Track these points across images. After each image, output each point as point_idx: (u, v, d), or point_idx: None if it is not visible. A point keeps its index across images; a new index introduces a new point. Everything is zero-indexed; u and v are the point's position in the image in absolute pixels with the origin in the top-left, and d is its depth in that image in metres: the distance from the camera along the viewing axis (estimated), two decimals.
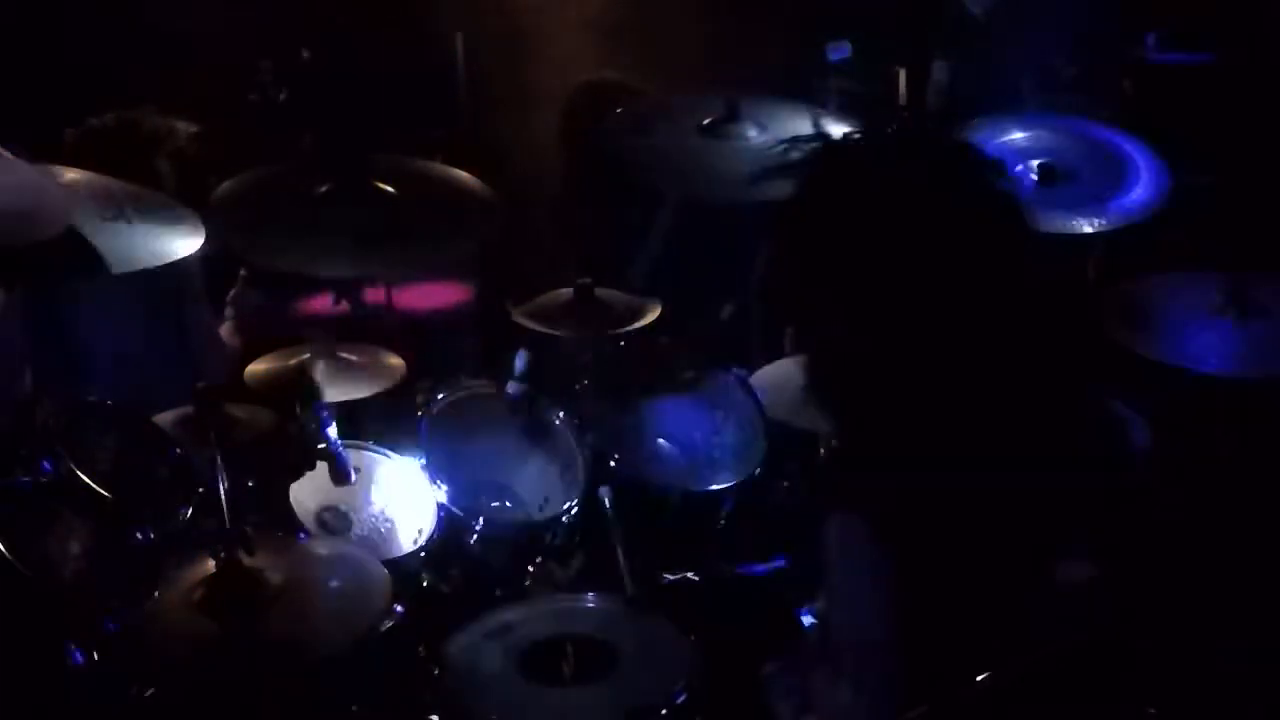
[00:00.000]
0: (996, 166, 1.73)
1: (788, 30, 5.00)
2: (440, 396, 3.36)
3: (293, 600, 2.62)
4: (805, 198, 1.77)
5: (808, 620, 2.60)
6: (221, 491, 2.66)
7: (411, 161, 3.58)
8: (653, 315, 3.72)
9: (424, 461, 3.24)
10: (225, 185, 3.32)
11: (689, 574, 3.34)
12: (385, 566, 2.78)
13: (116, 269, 2.79)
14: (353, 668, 2.73)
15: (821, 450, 3.30)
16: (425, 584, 3.10)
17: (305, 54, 5.06)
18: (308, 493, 3.12)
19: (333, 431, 3.04)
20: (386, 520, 3.18)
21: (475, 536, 3.13)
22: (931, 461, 1.64)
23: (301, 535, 3.00)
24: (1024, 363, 1.70)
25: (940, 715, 1.42)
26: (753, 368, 3.63)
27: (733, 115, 3.50)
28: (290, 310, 4.26)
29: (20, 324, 3.34)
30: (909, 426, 1.68)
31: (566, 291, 3.80)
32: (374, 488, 3.22)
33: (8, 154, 2.71)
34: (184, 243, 2.96)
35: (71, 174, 2.93)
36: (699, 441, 3.43)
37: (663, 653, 2.80)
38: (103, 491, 2.61)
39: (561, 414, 3.35)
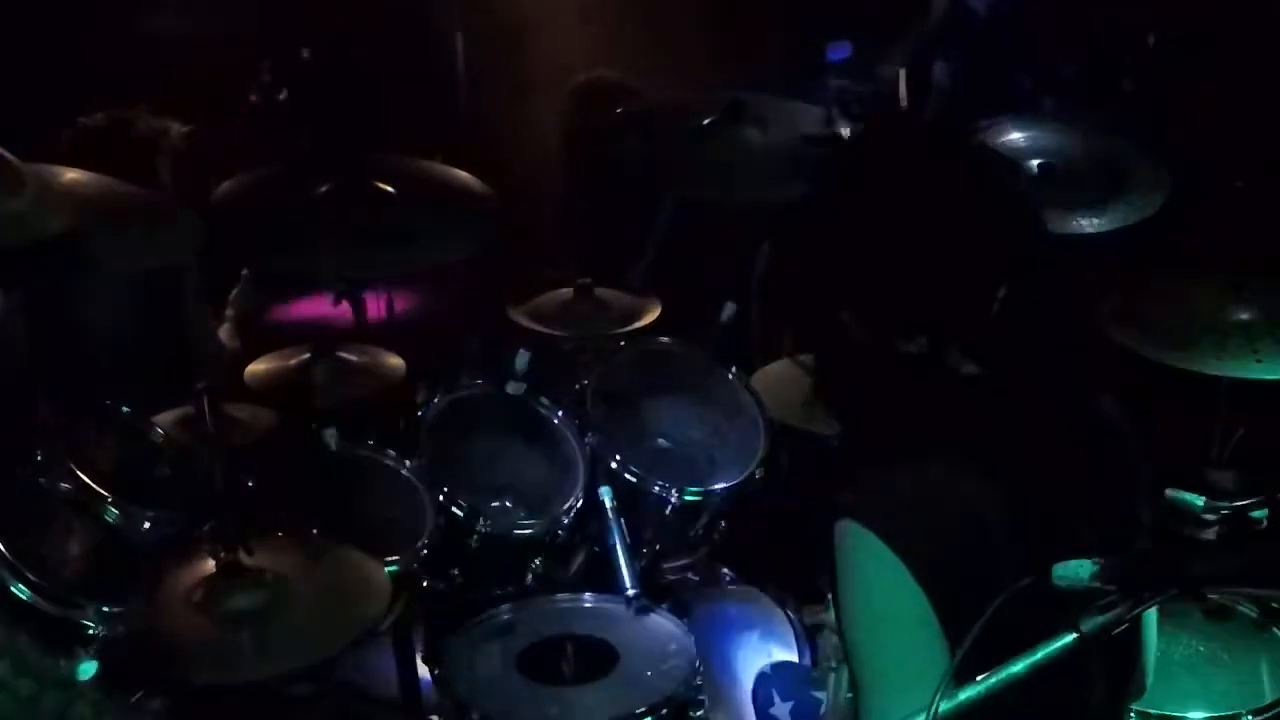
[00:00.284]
0: (1009, 166, 1.73)
1: (788, 30, 5.00)
2: (440, 396, 3.35)
3: (292, 600, 2.63)
4: (816, 196, 1.77)
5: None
6: (221, 492, 2.67)
7: (411, 161, 3.58)
8: (653, 315, 3.72)
9: (424, 461, 3.24)
10: (225, 185, 3.32)
11: (689, 574, 3.34)
12: None
13: (116, 269, 2.79)
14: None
15: (823, 450, 3.30)
16: (425, 584, 3.09)
17: (305, 54, 5.07)
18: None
19: None
20: None
21: (475, 536, 3.13)
22: (935, 460, 1.64)
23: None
24: (1031, 361, 1.70)
25: (934, 714, 1.42)
26: (753, 368, 3.63)
27: (733, 115, 3.50)
28: (291, 310, 4.27)
29: (20, 324, 3.34)
30: (914, 424, 1.68)
31: (566, 291, 3.81)
32: None
33: (7, 154, 2.71)
34: (184, 243, 2.96)
35: (71, 174, 2.93)
36: (699, 441, 3.43)
37: (663, 653, 2.80)
38: (103, 491, 2.61)
39: (561, 414, 3.35)
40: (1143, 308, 3.26)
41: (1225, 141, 4.25)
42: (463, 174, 3.51)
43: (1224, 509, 2.46)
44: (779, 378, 3.55)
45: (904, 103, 4.19)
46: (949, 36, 4.87)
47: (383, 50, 5.04)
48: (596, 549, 3.18)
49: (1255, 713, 2.58)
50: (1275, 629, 2.73)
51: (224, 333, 3.83)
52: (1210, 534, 2.43)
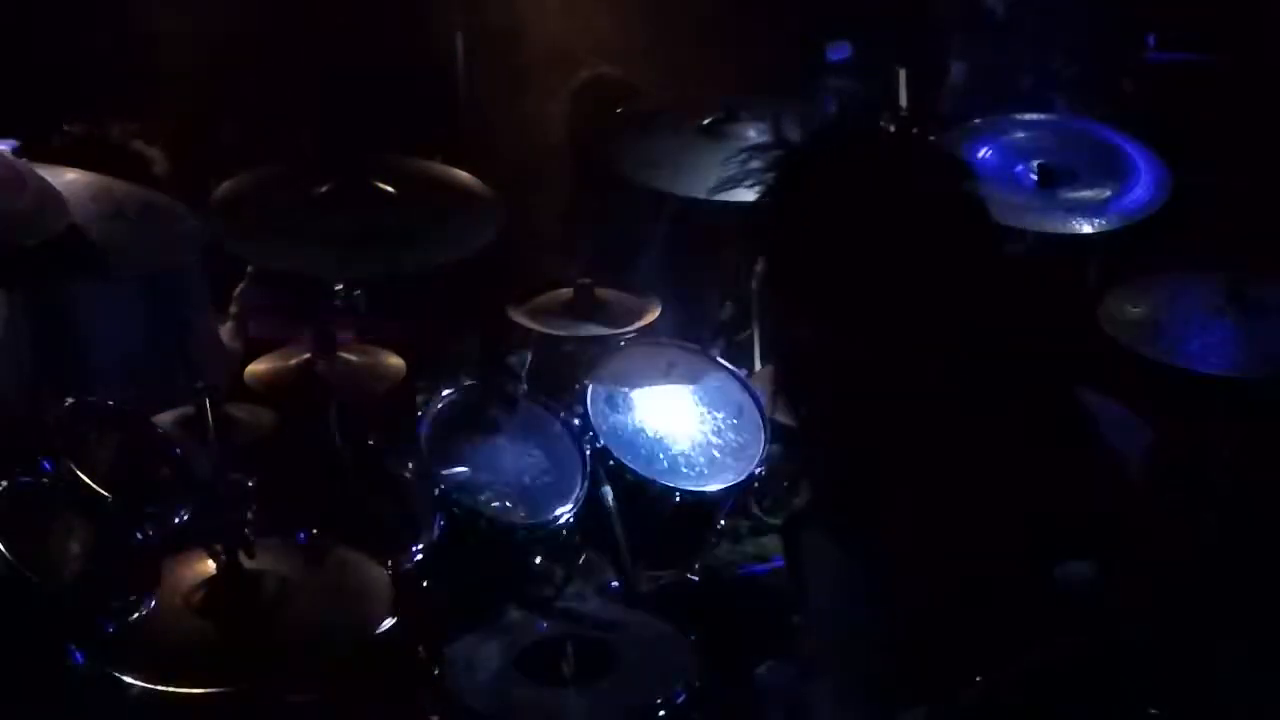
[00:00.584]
0: (959, 168, 1.71)
1: (788, 30, 5.00)
2: (440, 396, 3.35)
3: (292, 601, 2.62)
4: (765, 205, 1.75)
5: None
6: (221, 492, 2.66)
7: (411, 161, 3.58)
8: (653, 315, 3.72)
9: (424, 462, 3.24)
10: (225, 185, 3.32)
11: (689, 574, 3.35)
12: None
13: (116, 269, 2.79)
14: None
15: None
16: (426, 584, 3.09)
17: (304, 57, 5.06)
18: None
19: None
20: None
21: (476, 536, 3.13)
22: (904, 463, 1.62)
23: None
24: (1005, 363, 1.67)
25: (939, 715, 1.42)
26: (753, 368, 3.63)
27: (733, 115, 3.50)
28: (294, 309, 4.26)
29: (20, 324, 3.34)
30: (877, 427, 1.66)
31: (566, 291, 3.81)
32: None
33: (8, 153, 2.71)
34: (184, 243, 2.96)
35: (71, 174, 2.93)
36: (697, 441, 3.43)
37: (663, 653, 2.80)
38: (103, 491, 2.61)
39: (561, 414, 3.35)
40: (1143, 308, 3.27)
41: (1225, 141, 4.25)
42: (463, 174, 3.51)
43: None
44: None
45: (903, 103, 4.18)
46: (966, 35, 4.86)
47: (383, 50, 5.03)
48: (596, 549, 3.18)
49: None
50: None
51: (225, 334, 3.83)
52: None
